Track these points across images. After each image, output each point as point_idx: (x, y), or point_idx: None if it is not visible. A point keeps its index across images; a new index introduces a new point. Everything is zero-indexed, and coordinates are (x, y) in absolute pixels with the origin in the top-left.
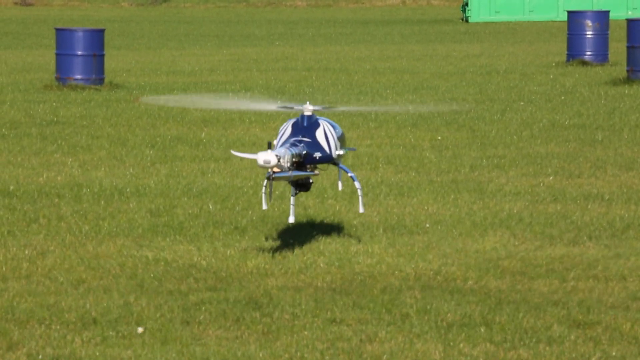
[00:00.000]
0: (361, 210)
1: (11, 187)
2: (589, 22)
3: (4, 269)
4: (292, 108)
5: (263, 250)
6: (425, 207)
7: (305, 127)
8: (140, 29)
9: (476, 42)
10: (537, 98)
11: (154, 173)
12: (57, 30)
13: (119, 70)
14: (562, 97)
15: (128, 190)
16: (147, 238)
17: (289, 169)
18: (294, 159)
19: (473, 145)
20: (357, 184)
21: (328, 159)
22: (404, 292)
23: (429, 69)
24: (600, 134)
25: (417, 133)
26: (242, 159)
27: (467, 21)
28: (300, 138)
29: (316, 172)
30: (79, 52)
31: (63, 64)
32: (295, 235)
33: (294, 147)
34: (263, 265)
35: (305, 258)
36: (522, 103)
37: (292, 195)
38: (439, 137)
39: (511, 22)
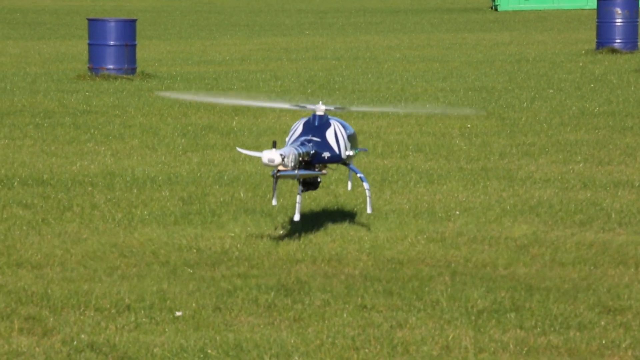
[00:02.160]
0: (369, 210)
1: (45, 176)
2: (618, 10)
3: (38, 256)
4: (304, 107)
5: (294, 238)
6: (455, 195)
7: (316, 127)
8: (171, 19)
9: (505, 30)
10: (567, 86)
11: (185, 161)
12: (90, 20)
13: (150, 60)
14: (592, 85)
15: (160, 178)
16: (180, 225)
17: (295, 168)
18: (300, 158)
19: (502, 133)
20: (365, 185)
21: (337, 159)
22: (434, 278)
23: (458, 58)
24: (629, 121)
25: (447, 121)
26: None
27: (496, 9)
28: (310, 137)
29: (324, 171)
30: (111, 42)
31: (95, 54)
32: (326, 223)
33: (302, 147)
34: (294, 252)
35: (335, 245)
36: (551, 91)
37: (298, 194)
38: (469, 125)
39: (540, 10)
